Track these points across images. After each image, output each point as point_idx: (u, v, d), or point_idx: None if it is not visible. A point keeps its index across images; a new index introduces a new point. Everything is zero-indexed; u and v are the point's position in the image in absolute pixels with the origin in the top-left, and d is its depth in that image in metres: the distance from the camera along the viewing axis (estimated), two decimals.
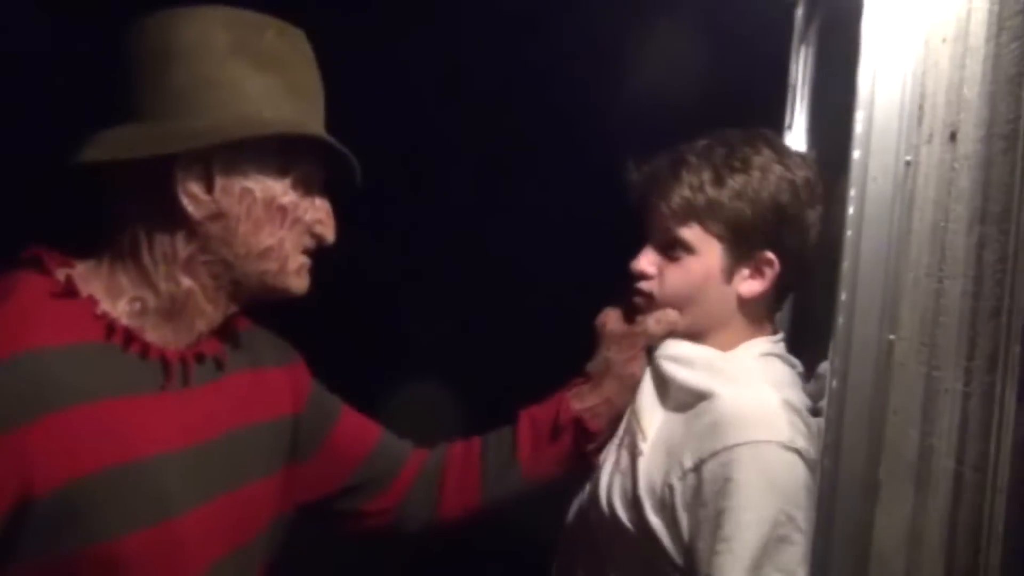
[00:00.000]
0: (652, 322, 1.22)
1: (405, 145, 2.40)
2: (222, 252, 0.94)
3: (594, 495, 1.21)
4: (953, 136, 0.80)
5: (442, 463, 1.28)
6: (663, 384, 1.21)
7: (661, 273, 1.21)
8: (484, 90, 2.41)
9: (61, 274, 0.91)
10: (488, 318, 2.41)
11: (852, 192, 0.97)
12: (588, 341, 1.32)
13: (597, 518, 1.19)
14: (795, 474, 1.04)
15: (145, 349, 0.92)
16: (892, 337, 0.93)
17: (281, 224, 0.96)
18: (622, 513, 1.14)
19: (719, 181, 1.16)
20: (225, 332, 1.01)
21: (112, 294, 0.92)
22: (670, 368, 1.19)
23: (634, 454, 1.16)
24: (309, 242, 1.00)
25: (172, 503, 0.91)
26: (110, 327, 0.90)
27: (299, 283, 1.00)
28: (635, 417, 1.21)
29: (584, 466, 1.27)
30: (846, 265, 0.97)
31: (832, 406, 0.99)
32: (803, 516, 1.02)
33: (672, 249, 1.19)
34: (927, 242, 0.85)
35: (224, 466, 0.98)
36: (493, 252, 2.37)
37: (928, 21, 0.92)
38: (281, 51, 0.96)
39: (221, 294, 0.97)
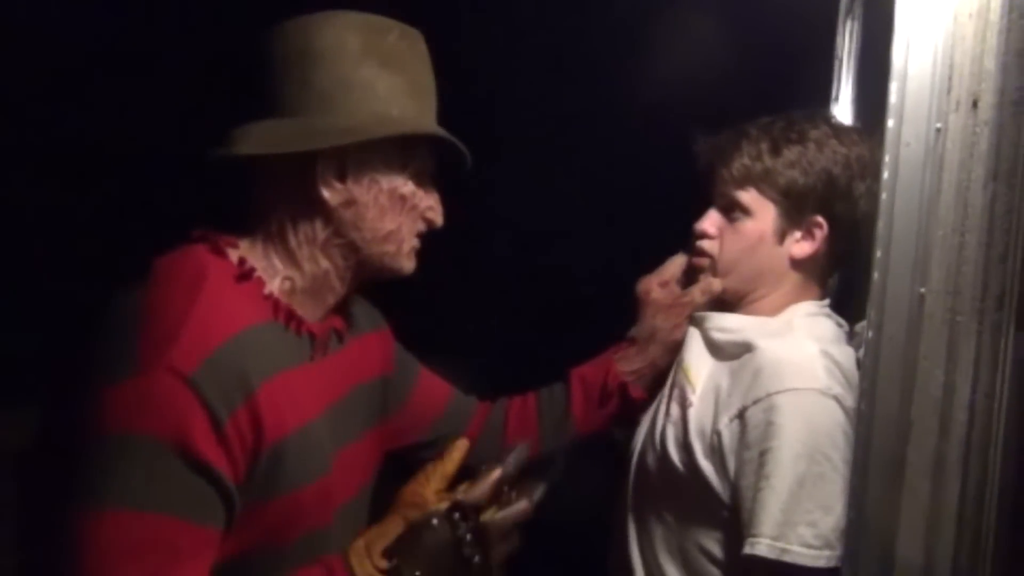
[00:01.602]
0: (698, 293, 1.33)
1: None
2: (352, 235, 1.04)
3: (648, 443, 1.32)
4: (975, 104, 0.88)
5: (503, 418, 1.40)
6: (711, 341, 1.31)
7: (721, 235, 1.31)
8: (539, 59, 2.48)
9: (234, 256, 1.01)
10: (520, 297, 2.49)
11: (887, 158, 1.05)
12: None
13: (653, 463, 1.30)
14: (832, 418, 1.13)
15: (299, 325, 1.04)
16: (923, 290, 1.01)
17: (401, 211, 1.07)
18: (675, 458, 1.25)
19: (776, 151, 1.27)
20: (342, 306, 1.13)
21: (268, 274, 1.03)
22: (718, 334, 1.30)
23: (684, 405, 1.27)
24: (422, 226, 1.11)
25: (326, 459, 1.04)
26: (276, 306, 1.02)
27: (409, 264, 1.11)
28: (684, 373, 1.31)
29: (632, 421, 1.38)
30: (881, 225, 1.05)
31: (868, 355, 1.07)
32: (839, 456, 1.11)
33: (732, 212, 1.30)
34: (952, 201, 0.94)
35: (347, 422, 1.11)
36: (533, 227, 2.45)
37: None
38: (403, 51, 1.05)
39: (349, 274, 1.07)
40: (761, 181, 1.27)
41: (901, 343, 1.04)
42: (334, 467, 1.05)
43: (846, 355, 1.23)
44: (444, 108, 1.12)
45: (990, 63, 0.84)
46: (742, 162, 1.28)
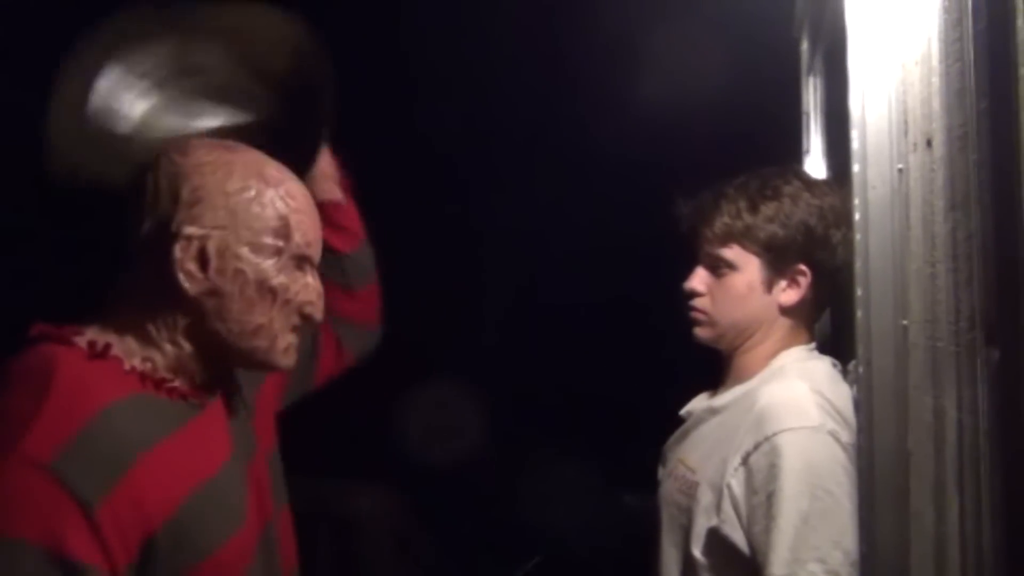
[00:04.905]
0: None
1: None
2: (216, 326, 0.98)
3: (669, 497, 1.35)
4: (929, 143, 0.94)
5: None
6: (709, 408, 1.36)
7: (711, 291, 1.37)
8: (517, 138, 2.58)
9: (81, 341, 0.95)
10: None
11: (856, 201, 1.11)
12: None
13: (676, 510, 1.32)
14: (829, 453, 1.16)
15: (171, 392, 0.98)
16: (905, 322, 1.05)
17: (272, 304, 1.00)
18: (697, 544, 1.26)
19: (753, 208, 1.33)
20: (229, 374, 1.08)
21: (126, 354, 0.97)
22: (717, 402, 1.35)
23: (690, 493, 1.30)
24: (297, 321, 1.03)
25: (239, 509, 1.00)
26: (141, 377, 0.96)
27: (286, 361, 1.04)
28: (680, 463, 1.35)
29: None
30: (858, 264, 1.10)
31: (862, 390, 1.11)
32: (842, 491, 1.13)
33: (718, 268, 1.35)
34: (920, 235, 0.99)
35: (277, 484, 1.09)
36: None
37: (902, 46, 1.07)
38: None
39: (217, 356, 1.01)
40: (743, 237, 1.33)
41: (891, 376, 1.08)
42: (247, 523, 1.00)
43: (839, 393, 1.26)
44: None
45: (937, 105, 0.89)
46: (723, 221, 1.34)
